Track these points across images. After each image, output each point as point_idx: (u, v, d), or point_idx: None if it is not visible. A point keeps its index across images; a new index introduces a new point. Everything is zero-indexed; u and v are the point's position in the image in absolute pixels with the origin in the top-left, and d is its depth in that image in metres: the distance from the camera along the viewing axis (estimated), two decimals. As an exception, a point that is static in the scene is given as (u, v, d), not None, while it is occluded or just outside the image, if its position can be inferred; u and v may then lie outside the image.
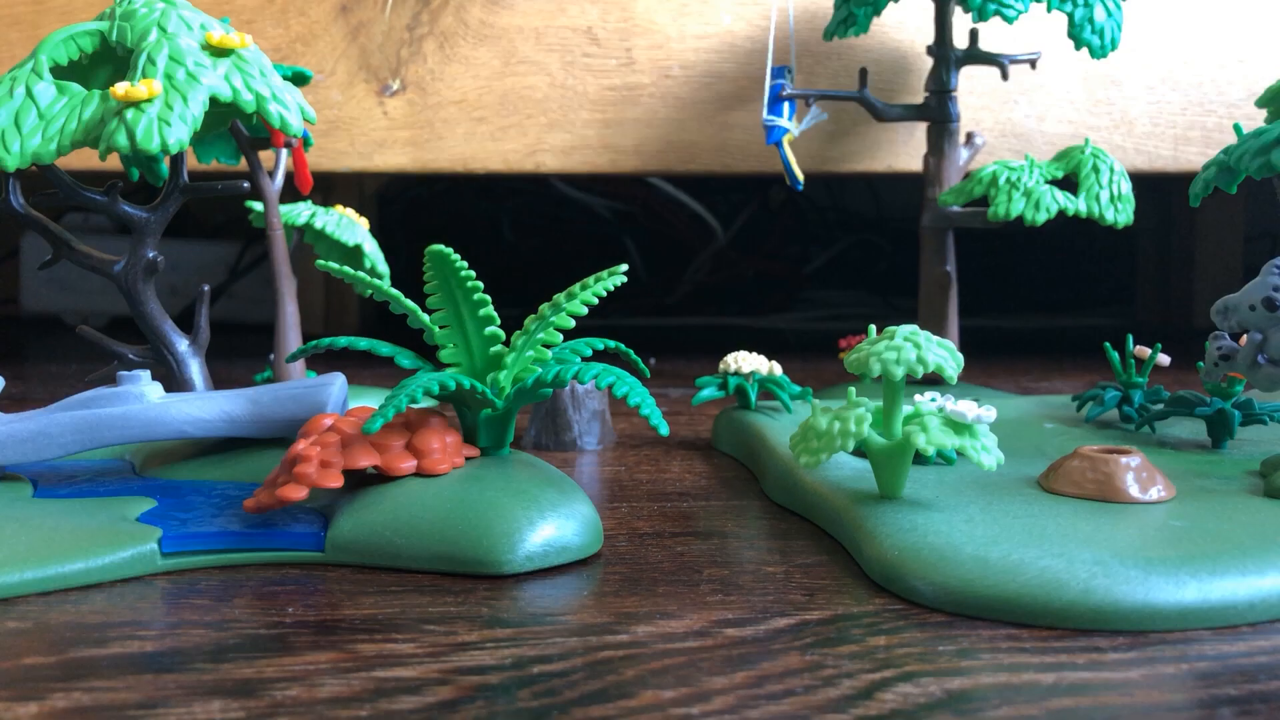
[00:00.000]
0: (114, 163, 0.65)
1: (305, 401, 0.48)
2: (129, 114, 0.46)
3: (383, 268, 0.70)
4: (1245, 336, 0.48)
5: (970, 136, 0.80)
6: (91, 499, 0.45)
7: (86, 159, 0.79)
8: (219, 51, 0.50)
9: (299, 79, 0.64)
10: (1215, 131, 0.92)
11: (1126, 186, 0.72)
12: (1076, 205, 0.70)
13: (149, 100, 0.46)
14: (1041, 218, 0.70)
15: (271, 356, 0.64)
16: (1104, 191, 0.71)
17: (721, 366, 0.63)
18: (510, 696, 0.30)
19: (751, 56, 0.91)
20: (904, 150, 0.92)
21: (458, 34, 0.90)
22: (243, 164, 0.63)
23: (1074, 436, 0.57)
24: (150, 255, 0.52)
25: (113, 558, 0.39)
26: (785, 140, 0.76)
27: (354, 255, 0.69)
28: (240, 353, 1.01)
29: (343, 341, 0.48)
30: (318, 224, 0.67)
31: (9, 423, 0.47)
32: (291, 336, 0.63)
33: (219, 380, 0.57)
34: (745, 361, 0.62)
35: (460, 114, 0.90)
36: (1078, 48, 0.74)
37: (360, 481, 0.44)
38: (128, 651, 0.33)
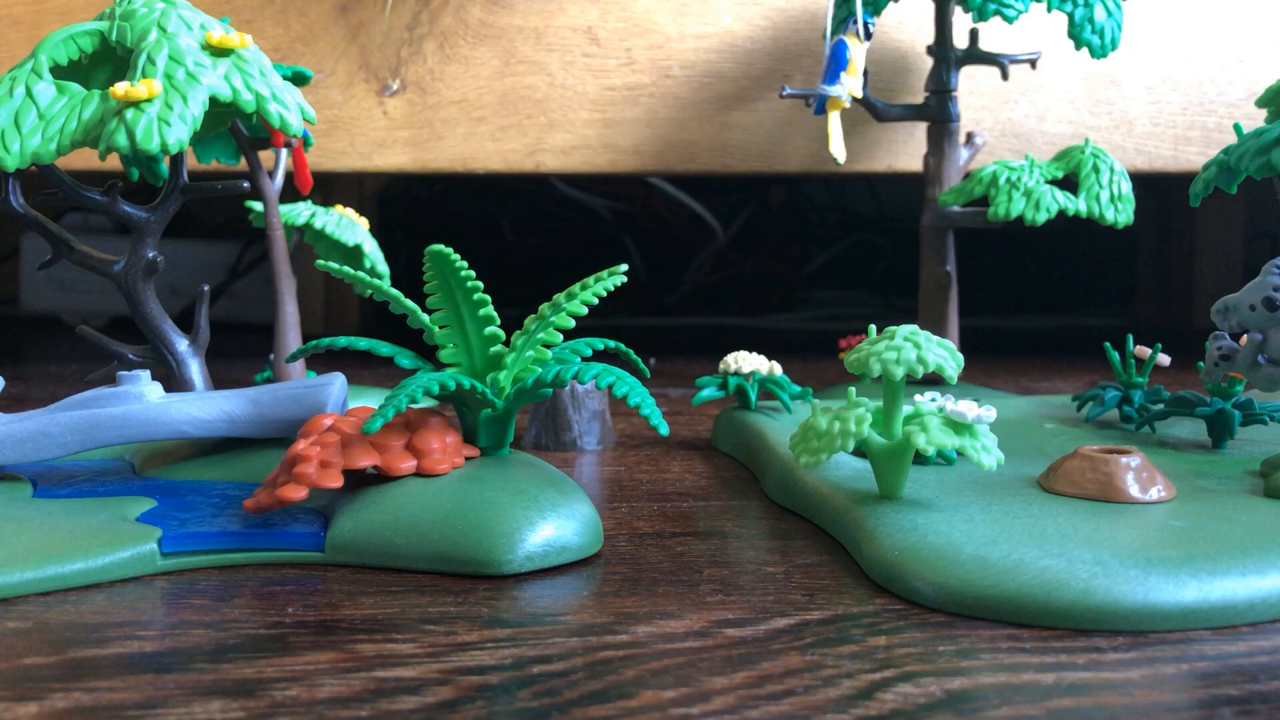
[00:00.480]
0: (114, 163, 0.65)
1: (305, 401, 0.48)
2: (129, 114, 0.46)
3: (383, 268, 0.70)
4: (1245, 336, 0.48)
5: (970, 136, 0.80)
6: (91, 499, 0.45)
7: (86, 159, 0.79)
8: (219, 51, 0.50)
9: (299, 79, 0.64)
10: (1215, 131, 0.92)
11: (1126, 186, 0.72)
12: (1076, 205, 0.70)
13: (149, 100, 0.46)
14: (1041, 218, 0.70)
15: (271, 356, 0.64)
16: (1104, 191, 0.71)
17: (721, 366, 0.63)
18: (510, 696, 0.30)
19: (751, 56, 0.91)
20: (904, 150, 0.92)
21: (458, 34, 0.90)
22: (243, 164, 0.63)
23: (1074, 436, 0.57)
24: (150, 255, 0.52)
25: (112, 558, 0.39)
26: (834, 107, 0.73)
27: (354, 255, 0.69)
28: (240, 353, 1.01)
29: (343, 341, 0.48)
30: (318, 224, 0.67)
31: (9, 423, 0.47)
32: (291, 336, 0.63)
33: (219, 380, 0.57)
34: (745, 361, 0.62)
35: (460, 114, 0.90)
36: (1078, 48, 0.74)
37: (360, 481, 0.44)
38: (128, 651, 0.33)
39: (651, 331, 1.29)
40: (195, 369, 0.54)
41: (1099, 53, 0.74)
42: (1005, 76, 0.78)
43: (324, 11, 0.90)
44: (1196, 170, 0.87)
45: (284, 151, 0.64)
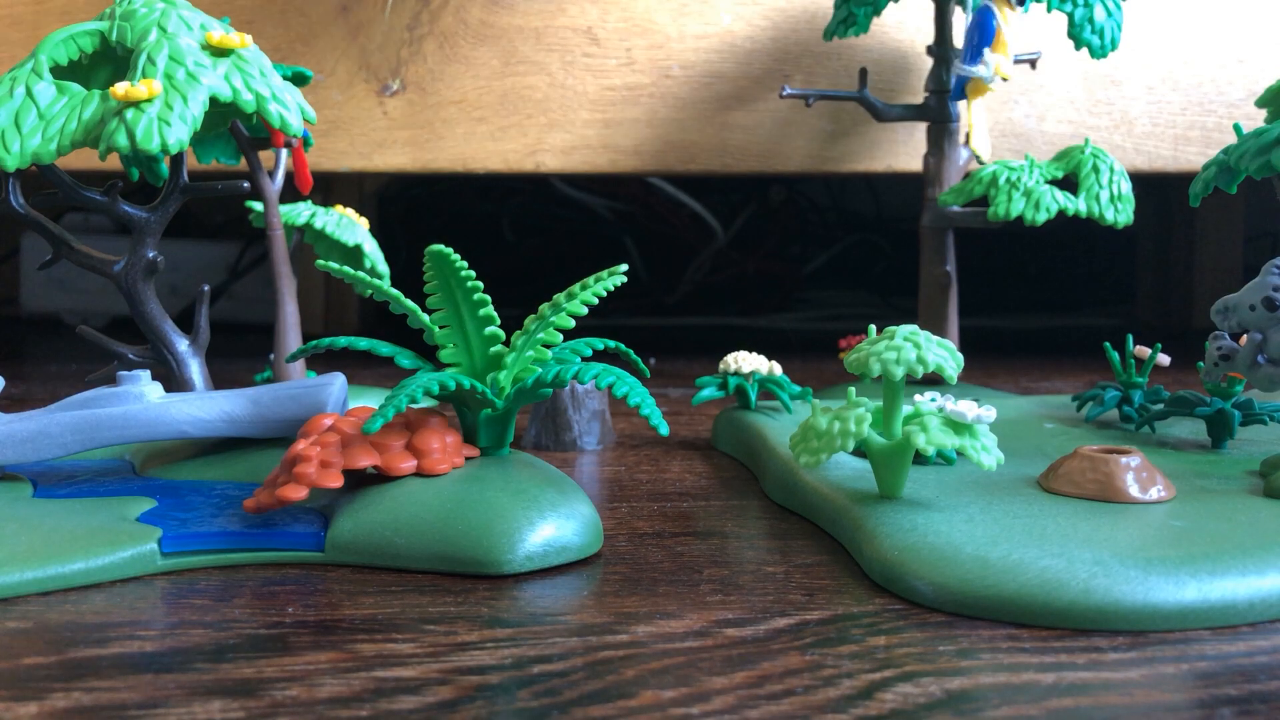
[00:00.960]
0: (114, 163, 0.65)
1: (305, 401, 0.48)
2: (129, 114, 0.46)
3: (383, 268, 0.70)
4: (1245, 336, 0.48)
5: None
6: (91, 499, 0.45)
7: (86, 159, 0.79)
8: (219, 51, 0.50)
9: (299, 79, 0.64)
10: (1215, 131, 0.92)
11: (1126, 186, 0.72)
12: (1076, 205, 0.70)
13: (149, 100, 0.46)
14: (1041, 218, 0.70)
15: (271, 356, 0.64)
16: (1104, 191, 0.71)
17: (721, 366, 0.63)
18: (510, 696, 0.30)
19: (751, 56, 0.91)
20: (904, 150, 0.92)
21: (458, 34, 0.90)
22: (243, 164, 0.63)
23: (1074, 436, 0.57)
24: (150, 255, 0.52)
25: (113, 558, 0.39)
26: (977, 92, 0.63)
27: (354, 255, 0.69)
28: (240, 353, 1.01)
29: (343, 341, 0.48)
30: (318, 224, 0.67)
31: (9, 423, 0.47)
32: (291, 336, 0.63)
33: (219, 380, 0.57)
34: (745, 361, 0.62)
35: (460, 114, 0.90)
36: (1078, 48, 0.74)
37: (360, 481, 0.44)
38: (128, 651, 0.33)
39: (651, 331, 1.29)
40: (195, 369, 0.54)
41: (1099, 53, 0.74)
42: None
43: (324, 11, 0.90)
44: (1196, 170, 0.87)
45: (284, 151, 0.64)
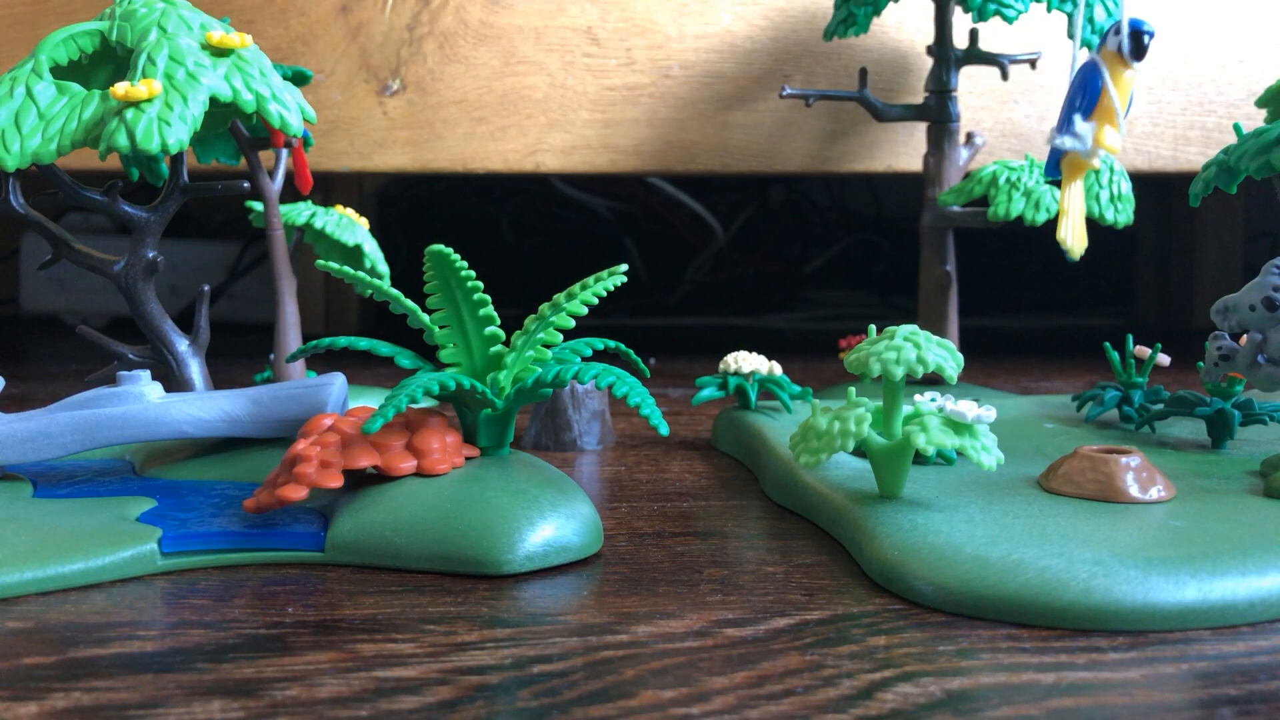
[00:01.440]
0: (114, 163, 0.65)
1: (305, 401, 0.48)
2: (129, 114, 0.46)
3: (383, 268, 0.70)
4: (1245, 336, 0.48)
5: (970, 136, 0.80)
6: (91, 499, 0.45)
7: (86, 159, 0.79)
8: (219, 51, 0.50)
9: (299, 79, 0.64)
10: (1215, 131, 0.92)
11: (1126, 186, 0.72)
12: (1076, 205, 0.70)
13: (149, 100, 0.46)
14: (1041, 218, 0.70)
15: (271, 356, 0.64)
16: (1104, 191, 0.71)
17: (721, 366, 0.63)
18: (510, 696, 0.30)
19: (751, 56, 0.91)
20: (904, 150, 0.92)
21: (458, 34, 0.90)
22: (243, 164, 0.63)
23: (1074, 436, 0.57)
24: (150, 255, 0.52)
25: (113, 558, 0.39)
26: (1074, 172, 0.48)
27: (354, 255, 0.69)
28: (240, 353, 1.01)
29: (343, 341, 0.48)
30: (318, 224, 0.67)
31: (9, 423, 0.47)
32: (291, 336, 0.63)
33: (219, 380, 0.57)
34: (745, 361, 0.62)
35: (460, 114, 0.90)
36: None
37: (360, 481, 0.44)
38: (128, 651, 0.33)
39: (651, 331, 1.29)
40: (195, 369, 0.54)
41: (1099, 53, 0.74)
42: (1005, 76, 0.78)
43: (324, 11, 0.90)
44: (1196, 170, 0.87)
45: (284, 151, 0.64)
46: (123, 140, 0.46)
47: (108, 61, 0.53)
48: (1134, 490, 0.44)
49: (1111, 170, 0.71)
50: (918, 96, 0.88)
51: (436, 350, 0.48)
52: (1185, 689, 0.31)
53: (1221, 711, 0.30)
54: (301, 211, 0.67)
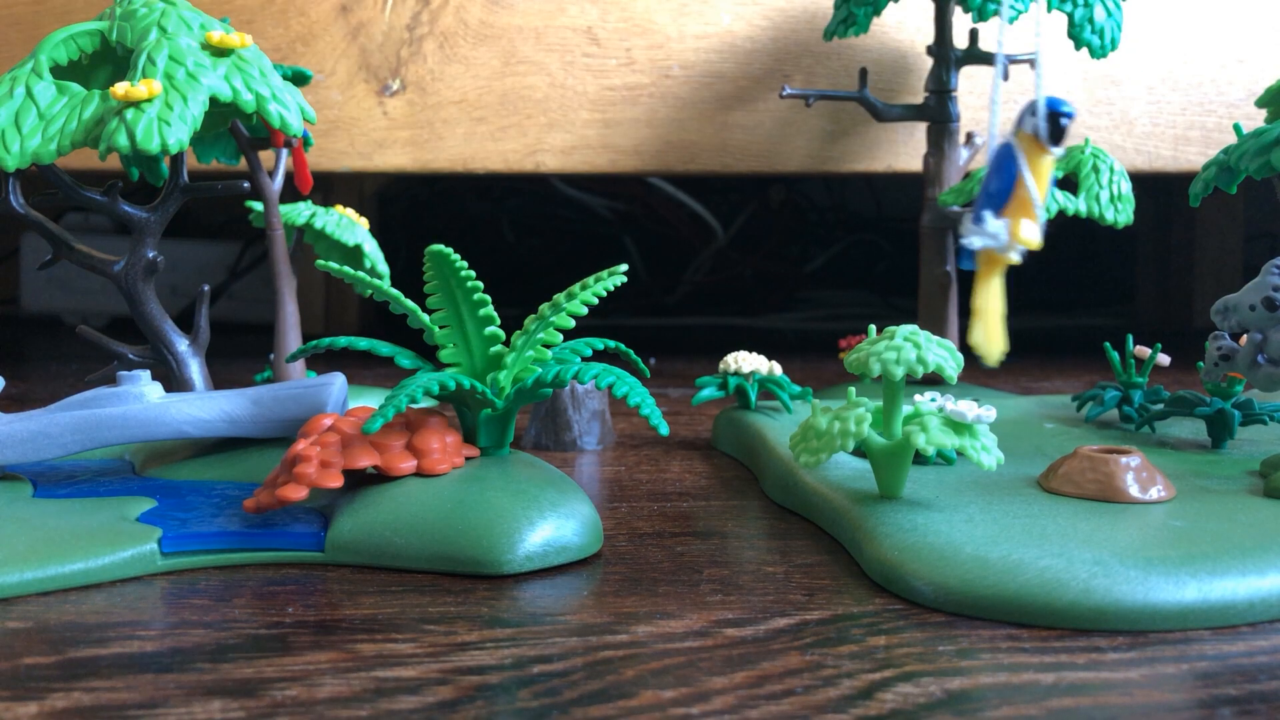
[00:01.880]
0: (114, 163, 0.65)
1: (305, 401, 0.48)
2: (129, 114, 0.46)
3: (383, 268, 0.70)
4: (1245, 336, 0.48)
5: (970, 136, 0.80)
6: (91, 499, 0.45)
7: (86, 159, 0.79)
8: (219, 51, 0.50)
9: (299, 79, 0.64)
10: (1215, 131, 0.92)
11: (1126, 186, 0.72)
12: (1076, 205, 0.70)
13: (149, 100, 0.46)
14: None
15: (271, 356, 0.64)
16: (1104, 191, 0.71)
17: (721, 366, 0.62)
18: (510, 696, 0.30)
19: (751, 56, 0.91)
20: (904, 150, 0.92)
21: (458, 34, 0.90)
22: (243, 164, 0.63)
23: (1074, 436, 0.57)
24: (150, 255, 0.52)
25: (113, 558, 0.39)
26: (989, 269, 0.40)
27: (354, 255, 0.69)
28: (240, 353, 1.01)
29: (343, 341, 0.48)
30: (318, 224, 0.67)
31: (9, 423, 0.47)
32: (291, 336, 0.63)
33: (219, 380, 0.57)
34: (745, 361, 0.62)
35: (460, 114, 0.90)
36: (1078, 48, 0.74)
37: (360, 481, 0.44)
38: (128, 651, 0.33)
39: (651, 331, 1.29)
40: (195, 369, 0.54)
41: (1099, 53, 0.74)
42: (1005, 76, 0.78)
43: (324, 11, 0.90)
44: (1196, 170, 0.87)
45: (284, 151, 0.64)
46: (123, 140, 0.46)
47: (108, 61, 0.53)
48: (1134, 490, 0.44)
49: (1112, 170, 0.71)
50: (918, 96, 0.88)
51: (436, 350, 0.48)
52: (1185, 689, 0.31)
53: (1221, 711, 0.30)
54: (301, 211, 0.67)
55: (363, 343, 0.48)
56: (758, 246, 1.47)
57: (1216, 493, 0.46)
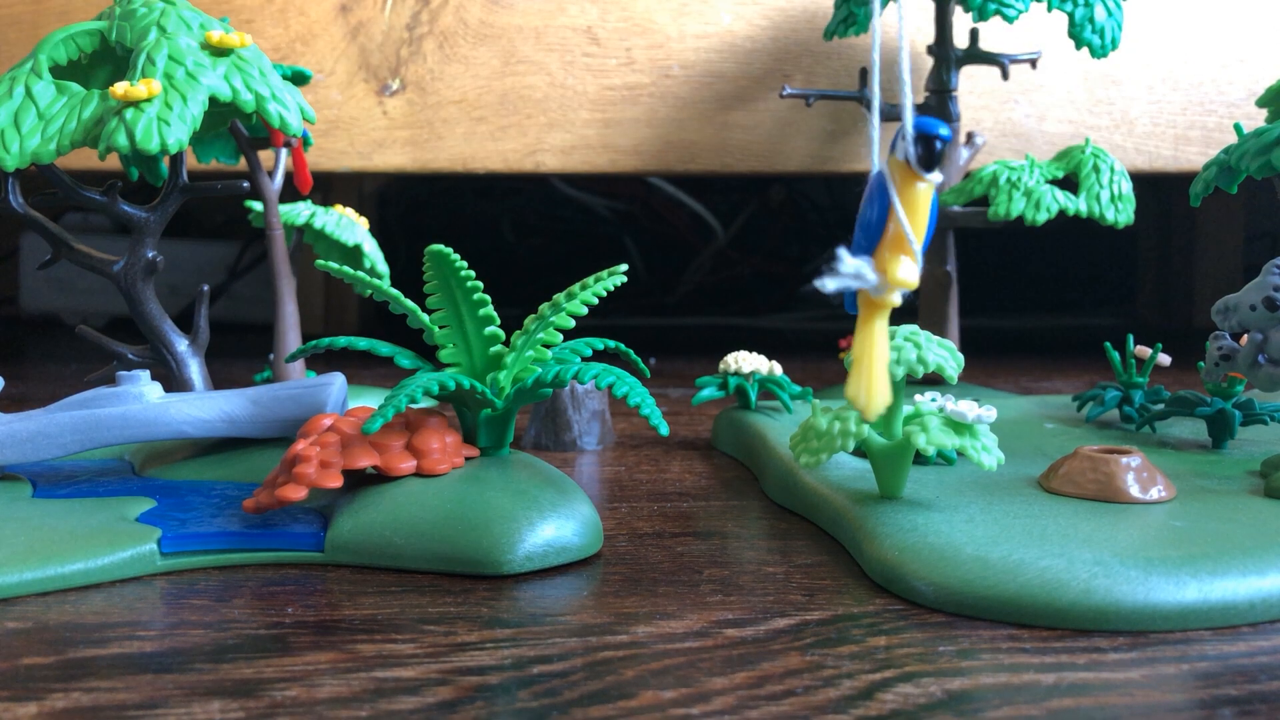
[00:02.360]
0: (113, 162, 0.65)
1: (305, 401, 0.48)
2: (128, 114, 0.46)
3: (383, 268, 0.70)
4: (1245, 336, 0.48)
5: (970, 136, 0.80)
6: (91, 499, 0.45)
7: (86, 159, 0.79)
8: (218, 51, 0.50)
9: (299, 79, 0.64)
10: (1215, 131, 0.92)
11: (1127, 186, 0.72)
12: (1076, 205, 0.70)
13: (148, 100, 0.46)
14: (1041, 218, 0.70)
15: (271, 356, 0.64)
16: (1104, 191, 0.71)
17: (721, 366, 0.62)
18: (510, 696, 0.30)
19: (751, 56, 0.91)
20: (904, 150, 0.92)
21: (458, 34, 0.90)
22: (243, 164, 0.63)
23: (1074, 436, 0.57)
24: (150, 255, 0.52)
25: (112, 558, 0.39)
26: (870, 313, 0.36)
27: (354, 255, 0.69)
28: (240, 353, 1.01)
29: (342, 341, 0.48)
30: (317, 224, 0.67)
31: (9, 423, 0.47)
32: (291, 336, 0.63)
33: (218, 380, 0.57)
34: (745, 361, 0.62)
35: (460, 114, 0.90)
36: (1078, 47, 0.74)
37: (360, 481, 0.44)
38: (127, 651, 0.33)
39: (651, 331, 1.29)
40: (195, 369, 0.54)
41: (1099, 52, 0.74)
42: (1005, 76, 0.78)
43: (324, 11, 0.90)
44: (1196, 170, 0.87)
45: (284, 151, 0.64)
46: (122, 140, 0.46)
47: (107, 61, 0.53)
48: (1134, 490, 0.44)
49: (1112, 170, 0.71)
50: (918, 96, 0.88)
51: (436, 350, 0.48)
52: (1186, 689, 0.31)
53: (1222, 712, 0.29)
54: (301, 211, 0.67)
55: (362, 343, 0.48)
56: (758, 246, 1.47)
57: (1217, 493, 0.46)
